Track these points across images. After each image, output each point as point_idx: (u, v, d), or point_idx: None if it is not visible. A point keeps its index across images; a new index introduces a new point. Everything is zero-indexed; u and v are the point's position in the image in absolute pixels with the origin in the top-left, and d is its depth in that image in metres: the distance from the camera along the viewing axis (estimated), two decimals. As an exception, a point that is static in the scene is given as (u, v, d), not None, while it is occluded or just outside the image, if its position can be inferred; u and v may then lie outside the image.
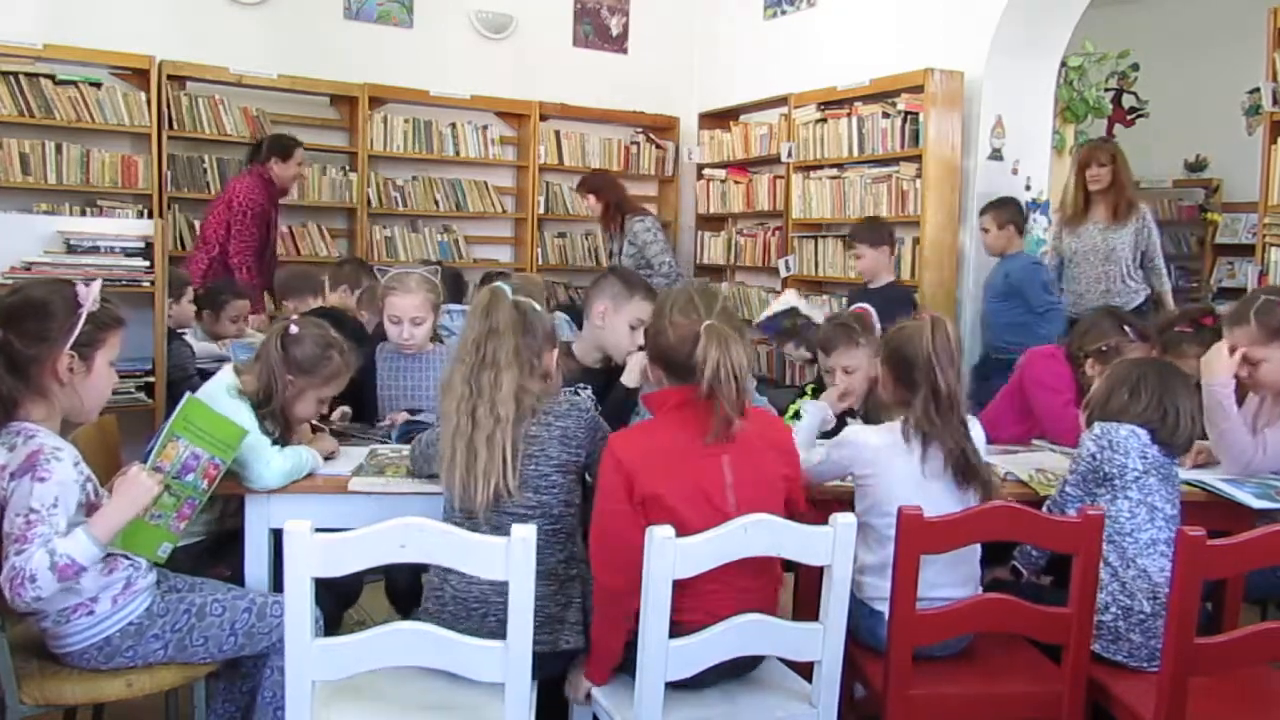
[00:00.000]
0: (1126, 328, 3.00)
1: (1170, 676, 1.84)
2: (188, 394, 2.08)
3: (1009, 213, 4.76)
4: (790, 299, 4.19)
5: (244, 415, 2.30)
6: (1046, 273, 4.77)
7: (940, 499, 2.12)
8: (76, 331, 1.98)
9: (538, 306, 2.18)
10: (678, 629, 1.83)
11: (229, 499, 2.39)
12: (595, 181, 5.64)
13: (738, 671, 2.03)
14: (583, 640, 2.05)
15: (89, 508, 1.94)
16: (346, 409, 2.99)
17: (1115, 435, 2.25)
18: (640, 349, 2.74)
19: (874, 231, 4.62)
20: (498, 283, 2.19)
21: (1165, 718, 1.84)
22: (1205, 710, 1.95)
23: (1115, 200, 4.82)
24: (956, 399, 2.17)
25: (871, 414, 2.78)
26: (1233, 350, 2.59)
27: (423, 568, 2.23)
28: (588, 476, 2.16)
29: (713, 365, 1.89)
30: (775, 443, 2.08)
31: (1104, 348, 2.93)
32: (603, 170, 6.27)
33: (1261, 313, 2.58)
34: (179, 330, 4.16)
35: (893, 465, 2.18)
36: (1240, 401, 2.67)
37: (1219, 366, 2.59)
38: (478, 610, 1.97)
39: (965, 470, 2.17)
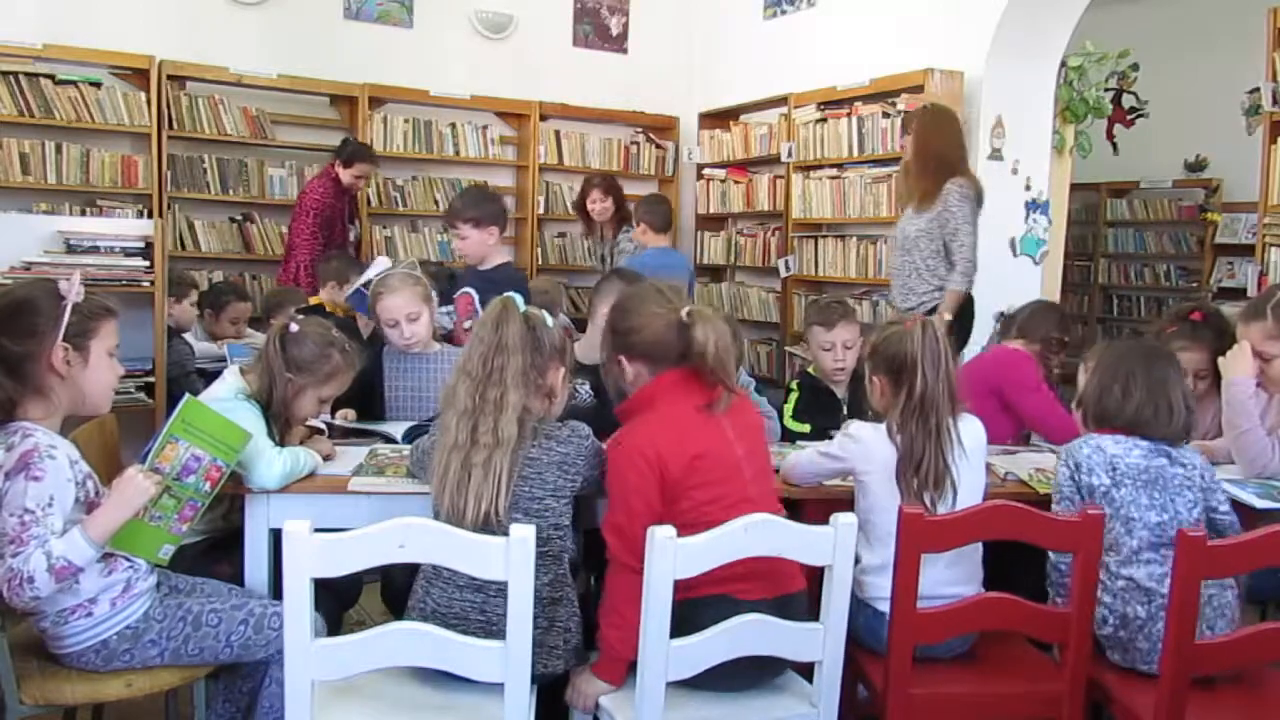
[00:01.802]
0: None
1: (1170, 676, 1.84)
2: (186, 396, 2.07)
3: (641, 213, 5.30)
4: (382, 264, 3.46)
5: (254, 419, 2.30)
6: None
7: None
8: (64, 322, 1.98)
9: (549, 320, 2.15)
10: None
11: (233, 497, 2.39)
12: (614, 185, 5.64)
13: (762, 679, 2.03)
14: (562, 665, 2.04)
15: (89, 506, 1.94)
16: (350, 411, 2.98)
17: (1079, 455, 2.23)
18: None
19: (480, 209, 3.73)
20: (509, 293, 2.16)
21: (1165, 718, 1.84)
22: (1205, 710, 1.95)
23: (917, 175, 4.18)
24: (934, 402, 2.16)
25: (866, 406, 2.76)
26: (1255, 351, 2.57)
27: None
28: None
29: (711, 344, 2.00)
30: (745, 397, 2.20)
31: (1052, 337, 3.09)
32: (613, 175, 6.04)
33: None
34: (179, 331, 4.16)
35: (889, 463, 2.19)
36: None
37: (1240, 366, 2.57)
38: (457, 626, 1.91)
39: (933, 474, 2.15)
